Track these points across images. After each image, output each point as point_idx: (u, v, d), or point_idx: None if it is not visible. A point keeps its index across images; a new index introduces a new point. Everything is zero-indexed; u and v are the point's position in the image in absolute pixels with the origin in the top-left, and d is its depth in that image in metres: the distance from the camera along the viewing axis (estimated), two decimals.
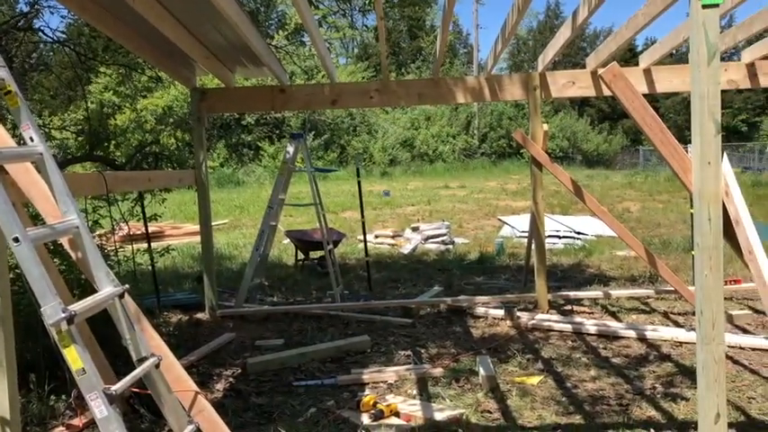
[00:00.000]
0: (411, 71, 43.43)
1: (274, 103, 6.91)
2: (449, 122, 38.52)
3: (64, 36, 7.62)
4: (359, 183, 8.38)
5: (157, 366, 3.00)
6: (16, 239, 2.54)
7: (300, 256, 9.79)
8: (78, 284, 5.03)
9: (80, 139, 6.74)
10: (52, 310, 2.51)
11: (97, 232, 5.60)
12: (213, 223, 15.78)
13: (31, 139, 2.91)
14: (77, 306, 2.64)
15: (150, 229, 13.11)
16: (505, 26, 5.69)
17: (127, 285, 3.04)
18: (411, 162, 35.03)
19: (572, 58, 45.41)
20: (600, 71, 6.56)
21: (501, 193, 21.40)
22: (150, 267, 7.09)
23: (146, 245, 7.05)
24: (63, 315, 2.51)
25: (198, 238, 7.76)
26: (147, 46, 5.69)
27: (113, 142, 6.38)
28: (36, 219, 5.10)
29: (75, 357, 2.55)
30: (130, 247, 6.57)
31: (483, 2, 50.57)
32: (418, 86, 6.92)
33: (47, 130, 8.50)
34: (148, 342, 3.16)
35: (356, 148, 34.19)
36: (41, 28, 6.23)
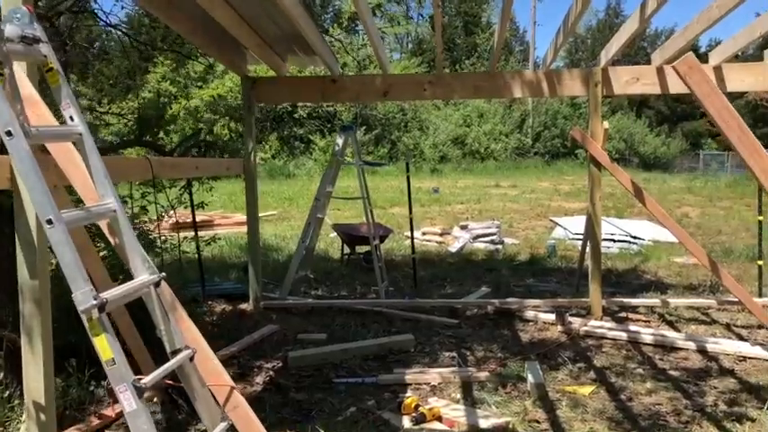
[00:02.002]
0: (465, 67, 42.95)
1: (324, 93, 6.78)
2: (502, 120, 37.96)
3: (120, 22, 7.67)
4: (408, 178, 8.20)
5: (192, 359, 2.88)
6: (49, 221, 2.45)
7: (347, 250, 9.67)
8: (122, 270, 5.01)
9: (131, 125, 6.76)
10: (83, 296, 2.41)
11: (144, 218, 5.56)
12: (262, 214, 15.95)
13: (71, 119, 2.82)
14: (109, 293, 2.54)
15: (199, 218, 13.27)
16: (567, 18, 5.41)
17: (163, 273, 2.93)
18: (462, 159, 34.64)
19: (632, 57, 44.19)
20: (666, 67, 6.23)
21: (554, 194, 20.91)
22: (197, 256, 7.09)
23: (194, 233, 7.03)
24: (94, 302, 2.40)
25: (246, 229, 7.72)
26: (199, 31, 5.62)
27: (163, 129, 6.37)
28: (80, 203, 5.11)
29: (105, 347, 2.44)
30: (178, 234, 6.57)
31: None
32: (474, 79, 6.69)
33: (106, 116, 8.66)
34: (184, 333, 3.05)
35: (407, 144, 34.00)
36: (96, 11, 6.23)
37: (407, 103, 34.56)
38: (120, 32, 7.60)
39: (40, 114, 3.08)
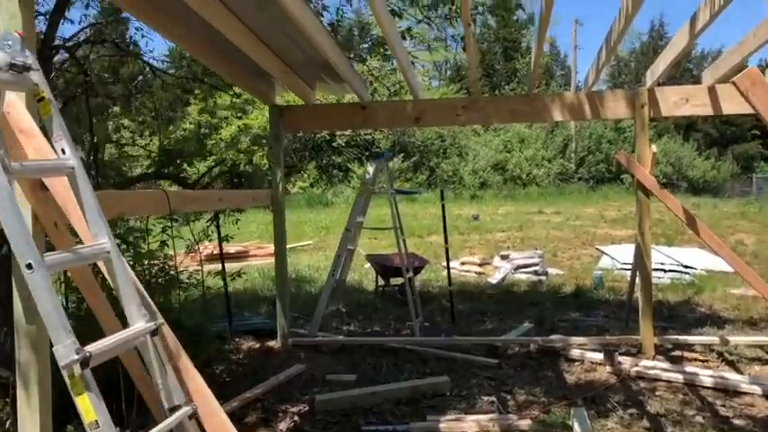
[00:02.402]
0: (505, 92, 42.58)
1: (354, 120, 6.53)
2: (544, 145, 37.33)
3: (164, 57, 7.61)
4: (443, 207, 7.86)
5: (193, 416, 2.59)
6: (29, 266, 2.20)
7: (381, 281, 9.34)
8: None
9: (154, 156, 6.63)
10: (65, 350, 2.14)
11: (164, 254, 5.35)
12: (298, 244, 15.77)
13: (63, 152, 2.59)
14: (96, 346, 2.26)
15: (234, 249, 13.15)
16: (610, 35, 5.05)
17: (161, 321, 2.66)
18: (503, 186, 34.09)
19: (677, 79, 43.17)
20: (719, 86, 5.79)
21: (599, 221, 20.24)
22: (232, 289, 6.85)
23: (234, 264, 6.80)
24: (76, 357, 2.13)
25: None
26: (223, 60, 5.44)
27: (201, 159, 6.18)
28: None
29: (87, 407, 2.16)
30: (207, 267, 6.36)
31: (582, 22, 49.06)
32: (510, 103, 6.35)
33: (148, 150, 8.62)
34: (189, 384, 2.76)
35: (446, 171, 33.66)
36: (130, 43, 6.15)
37: (446, 129, 34.31)
38: (156, 68, 7.55)
39: (37, 148, 2.86)
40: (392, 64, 7.61)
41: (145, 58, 7.27)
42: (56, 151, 2.61)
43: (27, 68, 2.53)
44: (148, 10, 4.15)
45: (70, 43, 5.25)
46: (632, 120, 6.14)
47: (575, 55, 44.76)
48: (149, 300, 2.92)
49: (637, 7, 4.18)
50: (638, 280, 6.27)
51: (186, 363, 2.90)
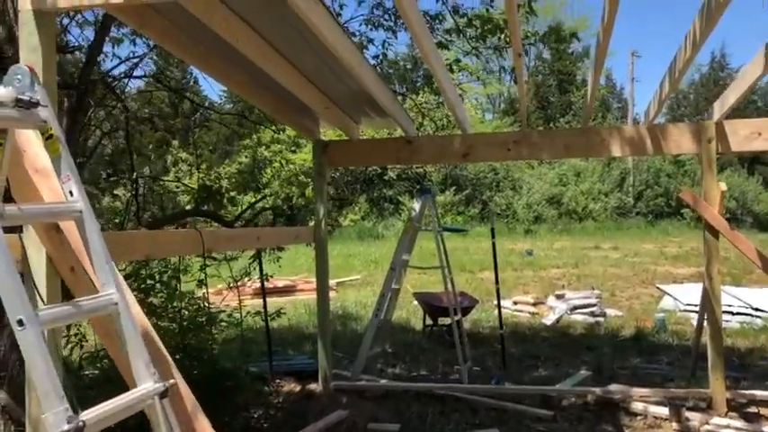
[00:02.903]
0: (560, 125, 41.91)
1: (400, 155, 6.29)
2: (600, 179, 36.40)
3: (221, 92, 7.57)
4: (493, 245, 7.49)
5: None
6: (20, 322, 1.97)
7: (429, 320, 8.98)
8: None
9: (193, 193, 6.53)
10: (55, 418, 1.90)
11: (201, 293, 5.17)
12: (345, 279, 15.53)
13: (71, 194, 2.40)
14: (91, 413, 2.02)
15: (282, 283, 13.00)
16: (674, 65, 4.68)
17: (173, 380, 2.41)
18: (558, 220, 33.27)
19: (740, 111, 41.70)
20: None
21: (659, 257, 19.38)
22: (277, 325, 6.63)
23: (280, 298, 6.58)
24: (67, 426, 1.89)
25: (331, 295, 7.24)
26: (264, 94, 5.29)
27: (226, 196, 6.04)
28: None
29: None
30: (252, 302, 6.16)
31: (639, 54, 48.08)
32: (564, 137, 6.00)
33: (188, 186, 8.61)
34: None
35: (498, 204, 33.10)
36: (152, 75, 6.09)
37: (499, 162, 33.85)
38: (211, 105, 7.52)
39: (53, 188, 2.69)
40: (439, 97, 7.37)
41: (190, 92, 7.23)
42: (64, 193, 2.42)
43: (34, 104, 2.36)
44: (186, 44, 4.02)
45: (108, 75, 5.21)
46: (695, 155, 5.70)
47: (632, 87, 43.86)
48: (164, 352, 2.69)
49: (705, 35, 3.82)
50: (706, 327, 5.76)
51: (203, 424, 2.64)
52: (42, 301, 2.63)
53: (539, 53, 47.47)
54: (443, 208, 30.25)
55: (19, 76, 2.40)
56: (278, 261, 6.42)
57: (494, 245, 7.43)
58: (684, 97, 52.48)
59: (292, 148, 29.47)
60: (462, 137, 6.10)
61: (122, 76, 5.50)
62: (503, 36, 5.82)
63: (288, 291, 13.10)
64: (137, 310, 2.70)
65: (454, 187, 31.88)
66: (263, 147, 27.67)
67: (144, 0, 2.75)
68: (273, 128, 7.89)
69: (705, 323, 5.83)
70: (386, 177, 32.05)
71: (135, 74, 5.74)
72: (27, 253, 2.82)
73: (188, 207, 5.88)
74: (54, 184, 2.71)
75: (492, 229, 7.67)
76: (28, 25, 2.83)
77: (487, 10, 5.73)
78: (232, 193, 7.20)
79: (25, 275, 2.75)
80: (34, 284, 2.64)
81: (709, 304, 5.66)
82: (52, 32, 2.92)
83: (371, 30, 6.60)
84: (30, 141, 2.71)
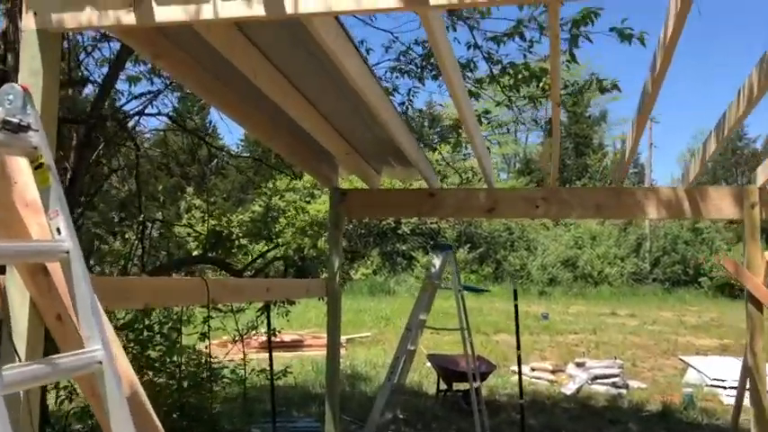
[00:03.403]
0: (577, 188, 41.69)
1: (422, 208, 5.97)
2: (616, 243, 35.91)
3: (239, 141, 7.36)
4: (516, 307, 7.10)
5: None
6: None
7: (443, 385, 8.50)
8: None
9: (201, 239, 6.23)
10: None
11: (203, 345, 4.80)
12: (356, 335, 15.05)
13: (59, 231, 2.09)
14: None
15: (289, 338, 12.54)
16: (722, 122, 4.38)
17: None
18: (573, 283, 32.67)
19: None
20: None
21: (679, 327, 18.75)
22: (282, 383, 6.23)
23: (287, 353, 6.18)
24: None
25: (341, 352, 6.84)
26: (285, 140, 5.04)
27: (236, 243, 5.71)
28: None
29: None
30: (258, 356, 5.77)
31: (657, 120, 48.12)
32: (596, 196, 5.67)
33: (197, 231, 8.37)
34: None
35: (513, 265, 32.60)
36: (167, 114, 5.89)
37: (515, 222, 33.50)
38: (230, 153, 7.32)
39: (42, 224, 2.38)
40: (465, 149, 7.09)
41: (206, 137, 7.05)
42: (51, 231, 2.12)
43: (24, 128, 2.08)
44: (202, 78, 3.78)
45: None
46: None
47: (650, 153, 43.73)
48: (153, 418, 2.34)
49: (764, 90, 3.53)
50: (749, 408, 5.29)
51: None
52: (18, 356, 2.30)
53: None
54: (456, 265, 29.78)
55: (10, 97, 2.13)
56: (287, 315, 6.05)
57: (516, 308, 7.04)
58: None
59: (306, 199, 29.37)
60: (488, 191, 5.78)
61: (135, 112, 5.30)
62: (541, 84, 5.56)
63: (295, 346, 12.65)
64: (125, 367, 2.35)
65: (468, 245, 31.50)
66: (278, 196, 27.61)
67: (159, 21, 2.49)
68: (290, 173, 7.62)
69: (745, 403, 5.37)
70: (399, 231, 31.77)
71: (149, 112, 5.55)
72: (8, 297, 2.51)
73: (195, 253, 5.61)
74: (44, 221, 2.41)
75: (515, 291, 7.29)
76: (31, 47, 2.59)
77: (525, 56, 5.48)
78: (243, 241, 6.89)
79: (3, 324, 2.43)
80: (10, 336, 2.32)
81: (752, 383, 5.20)
82: (56, 56, 2.67)
83: (397, 77, 6.39)
84: (21, 171, 2.42)
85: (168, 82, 5.52)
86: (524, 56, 5.42)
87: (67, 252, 2.07)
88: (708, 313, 22.93)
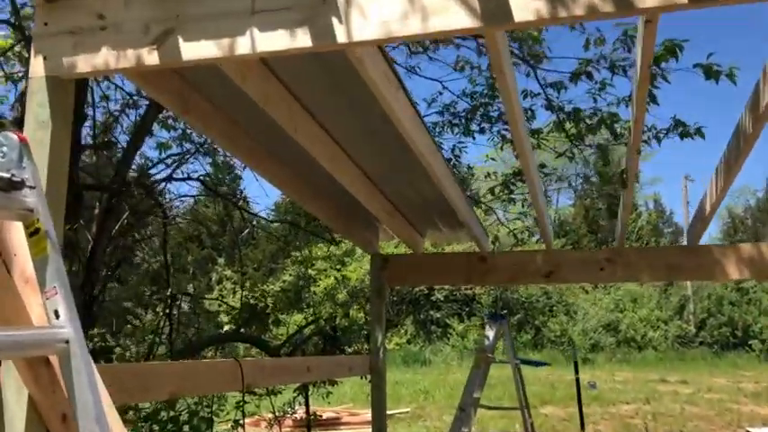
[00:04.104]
0: None
1: (472, 274, 5.47)
2: (658, 305, 34.58)
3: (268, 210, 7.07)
4: (577, 381, 6.46)
5: None
6: None
7: None
8: None
9: (234, 314, 5.76)
10: None
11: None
12: (394, 411, 14.20)
13: (56, 315, 1.65)
14: None
15: (326, 415, 11.86)
16: None
17: None
18: (616, 348, 31.33)
19: None
20: None
21: (737, 394, 17.54)
22: None
23: None
24: None
25: None
26: (323, 202, 4.64)
27: (272, 318, 5.21)
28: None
29: None
30: None
31: (692, 178, 47.36)
32: (668, 256, 5.12)
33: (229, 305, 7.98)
34: None
35: (553, 330, 31.48)
36: (198, 178, 5.54)
37: (552, 285, 32.55)
38: (261, 219, 6.98)
39: (43, 305, 1.97)
40: (521, 206, 6.59)
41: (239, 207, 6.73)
42: (47, 313, 1.68)
43: (18, 185, 1.68)
44: (233, 134, 3.41)
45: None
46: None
47: (686, 211, 42.73)
48: None
49: None
50: None
51: None
52: None
53: (586, 176, 46.98)
54: None
55: (4, 148, 1.74)
56: (327, 396, 5.50)
57: (578, 381, 6.39)
58: (741, 222, 51.00)
59: (337, 266, 28.90)
60: (545, 253, 5.27)
61: (163, 178, 4.97)
62: (619, 129, 5.10)
63: (332, 424, 11.94)
64: None
65: (505, 311, 30.55)
66: (310, 264, 27.17)
67: (187, 59, 2.11)
68: (329, 239, 7.20)
69: None
70: (433, 298, 31.02)
71: (178, 176, 5.22)
72: (2, 393, 2.06)
73: (227, 328, 5.18)
74: (31, 300, 1.99)
75: (575, 363, 6.65)
76: (38, 95, 2.23)
77: (595, 100, 5.05)
78: (278, 314, 6.41)
79: None
80: None
81: None
82: (68, 106, 2.29)
83: (440, 132, 6.01)
84: (22, 243, 2.00)
85: (199, 144, 5.21)
86: (594, 99, 4.99)
87: (67, 342, 1.62)
88: (765, 378, 21.58)
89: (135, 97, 4.77)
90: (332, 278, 27.07)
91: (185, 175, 5.31)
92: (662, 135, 4.98)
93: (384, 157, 3.85)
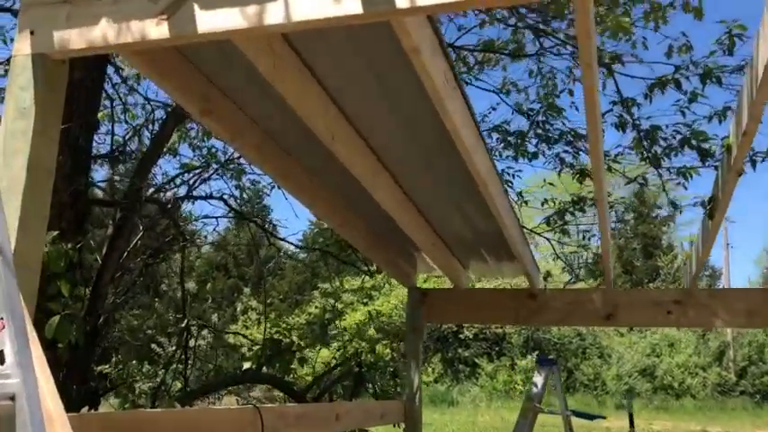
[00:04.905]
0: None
1: (519, 312, 4.92)
2: (696, 351, 33.23)
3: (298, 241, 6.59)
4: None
5: None
6: None
7: None
8: None
9: (257, 350, 5.23)
10: None
11: None
12: None
13: (1, 359, 1.18)
14: None
15: None
16: None
17: None
18: (652, 395, 30.05)
19: None
20: None
21: None
22: None
23: None
24: None
25: None
26: (363, 230, 4.18)
27: (298, 355, 4.71)
28: None
29: None
30: None
31: (733, 220, 45.95)
32: (746, 300, 4.52)
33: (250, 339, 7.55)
34: None
35: (586, 374, 30.35)
36: (219, 197, 5.11)
37: (586, 327, 31.51)
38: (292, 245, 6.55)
39: None
40: (584, 237, 6.04)
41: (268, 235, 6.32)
42: None
43: None
44: (263, 146, 2.97)
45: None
46: None
47: (726, 254, 41.46)
48: None
49: None
50: None
51: None
52: None
53: (620, 216, 45.93)
54: (524, 374, 27.85)
55: None
56: None
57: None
58: None
59: (364, 300, 28.29)
60: (604, 292, 4.72)
61: (181, 196, 4.53)
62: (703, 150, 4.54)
63: None
64: None
65: (536, 352, 29.57)
66: (337, 297, 26.58)
67: (203, 32, 1.67)
68: (366, 270, 6.69)
69: None
70: (461, 336, 30.18)
71: (197, 194, 4.80)
72: None
73: (248, 365, 4.74)
74: None
75: (630, 416, 6.02)
76: (21, 76, 1.82)
77: (684, 113, 4.46)
78: (304, 351, 5.87)
79: None
80: None
81: None
82: (58, 92, 1.86)
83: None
84: None
85: (223, 162, 4.80)
86: (682, 113, 4.44)
87: (12, 398, 1.15)
88: None
89: (153, 103, 4.42)
90: (359, 312, 26.50)
91: (207, 194, 4.91)
92: (759, 159, 4.41)
93: (433, 178, 3.38)
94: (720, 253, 45.26)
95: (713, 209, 3.15)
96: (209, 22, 1.68)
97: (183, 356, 4.43)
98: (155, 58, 2.18)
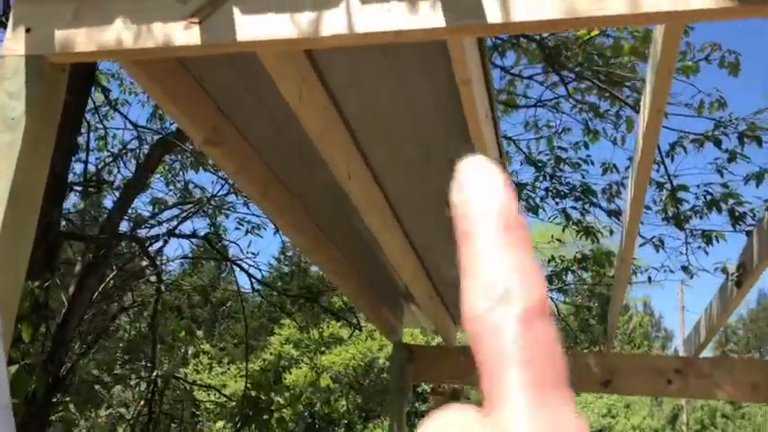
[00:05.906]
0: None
1: None
2: (650, 413, 33.28)
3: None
4: None
5: None
6: None
7: None
8: None
9: (233, 408, 4.80)
10: None
11: None
12: None
13: None
14: None
15: None
16: None
17: None
18: None
19: None
20: None
21: None
22: None
23: None
24: None
25: None
26: (353, 276, 3.87)
27: (276, 415, 4.28)
28: None
29: None
30: None
31: (689, 284, 46.69)
32: (753, 371, 4.33)
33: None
34: None
35: None
36: (203, 236, 4.74)
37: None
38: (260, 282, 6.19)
39: None
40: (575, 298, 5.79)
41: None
42: None
43: None
44: (268, 185, 2.68)
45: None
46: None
47: (682, 316, 42.03)
48: None
49: None
50: None
51: None
52: None
53: (578, 276, 46.45)
54: None
55: None
56: None
57: None
58: (734, 332, 50.30)
59: (321, 349, 27.45)
60: (602, 356, 4.49)
61: (163, 233, 4.13)
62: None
63: None
64: None
65: None
66: (291, 344, 25.74)
67: (243, 40, 1.40)
68: (354, 323, 6.29)
69: None
70: (419, 389, 29.60)
71: (180, 232, 4.42)
72: None
73: (221, 425, 4.27)
74: None
75: None
76: (10, 81, 1.50)
77: (721, 174, 4.18)
78: (285, 411, 5.37)
79: None
80: None
81: None
82: (56, 102, 1.56)
83: None
84: None
85: (196, 198, 4.45)
86: (720, 173, 4.18)
87: None
88: None
89: (141, 129, 4.07)
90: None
91: (190, 233, 4.50)
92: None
93: (444, 228, 3.11)
94: (676, 315, 45.89)
95: (742, 277, 2.96)
96: (250, 29, 1.40)
97: (149, 410, 3.96)
98: (165, 76, 1.89)
